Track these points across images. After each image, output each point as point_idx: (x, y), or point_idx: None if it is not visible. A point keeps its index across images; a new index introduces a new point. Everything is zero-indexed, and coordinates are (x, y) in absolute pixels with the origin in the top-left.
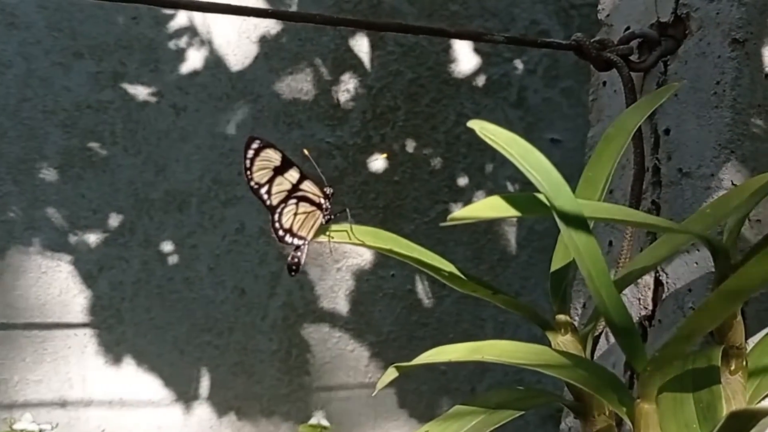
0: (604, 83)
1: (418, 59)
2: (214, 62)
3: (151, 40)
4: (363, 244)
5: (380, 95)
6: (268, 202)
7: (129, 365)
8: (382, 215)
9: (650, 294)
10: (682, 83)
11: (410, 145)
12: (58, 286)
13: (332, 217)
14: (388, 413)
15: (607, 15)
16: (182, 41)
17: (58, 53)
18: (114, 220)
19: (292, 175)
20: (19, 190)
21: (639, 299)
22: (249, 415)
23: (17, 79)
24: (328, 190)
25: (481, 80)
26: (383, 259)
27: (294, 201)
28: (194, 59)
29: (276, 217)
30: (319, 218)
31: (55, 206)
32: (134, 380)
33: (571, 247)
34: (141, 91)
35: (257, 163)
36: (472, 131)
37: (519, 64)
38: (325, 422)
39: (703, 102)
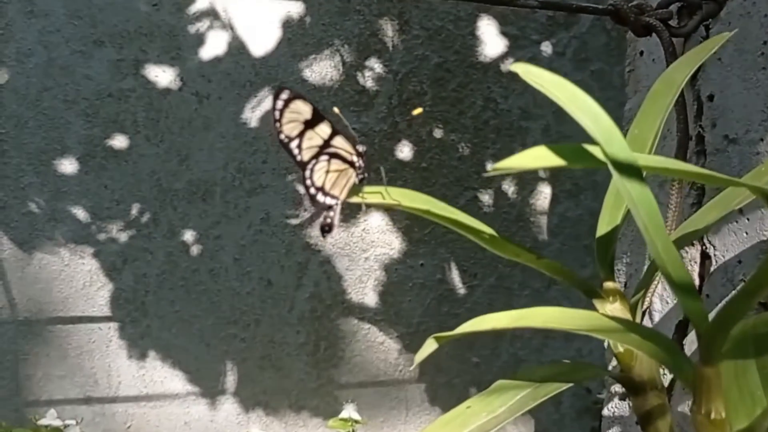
0: (642, 53)
1: (444, 43)
2: (237, 49)
3: (172, 26)
4: (399, 205)
5: (406, 80)
6: (299, 158)
7: (154, 359)
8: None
9: (697, 268)
10: (732, 32)
11: (437, 131)
12: (81, 279)
13: (365, 176)
14: (419, 407)
15: None
16: (204, 27)
17: (78, 41)
18: (137, 211)
19: (324, 129)
20: (40, 181)
21: None
22: (277, 409)
23: (38, 69)
24: (361, 148)
25: (508, 64)
26: (412, 248)
27: (326, 158)
28: (216, 46)
29: (308, 173)
30: (352, 177)
31: (77, 197)
32: (160, 375)
33: (626, 196)
34: (163, 79)
35: (287, 115)
36: (501, 116)
37: (547, 47)
38: (356, 415)
39: (749, 64)
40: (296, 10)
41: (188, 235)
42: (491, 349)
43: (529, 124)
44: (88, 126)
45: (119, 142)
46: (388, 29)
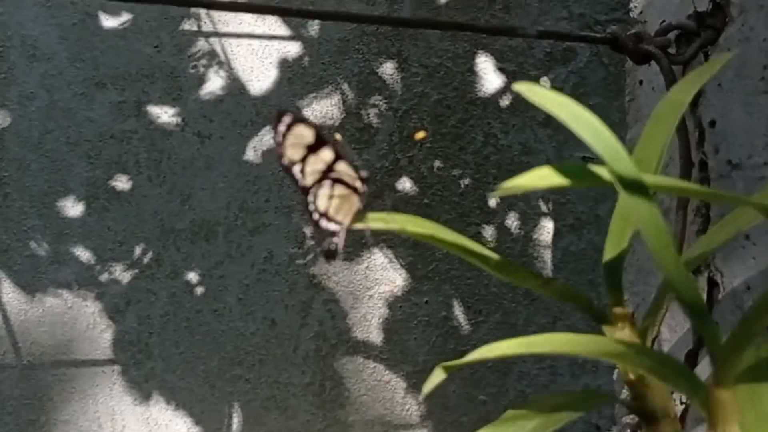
0: (641, 82)
1: (443, 80)
2: (238, 89)
3: (173, 68)
4: (403, 230)
5: (406, 117)
6: (301, 182)
7: (159, 402)
8: (414, 240)
9: (704, 296)
10: (734, 53)
11: (438, 167)
12: (84, 321)
13: (369, 202)
14: None
15: (641, 12)
16: (204, 69)
17: (80, 84)
18: (140, 252)
19: (327, 154)
20: (43, 223)
21: None
22: None
23: (40, 111)
24: (364, 173)
25: (507, 99)
26: (416, 285)
27: (329, 182)
28: (217, 86)
29: (311, 198)
30: (356, 202)
31: (80, 239)
32: (164, 417)
33: (633, 214)
34: (165, 120)
35: (289, 139)
36: (502, 151)
37: (546, 82)
38: None
39: (749, 89)
40: (295, 50)
41: (192, 276)
42: (498, 387)
43: (530, 159)
44: (91, 168)
45: (122, 183)
46: (388, 67)
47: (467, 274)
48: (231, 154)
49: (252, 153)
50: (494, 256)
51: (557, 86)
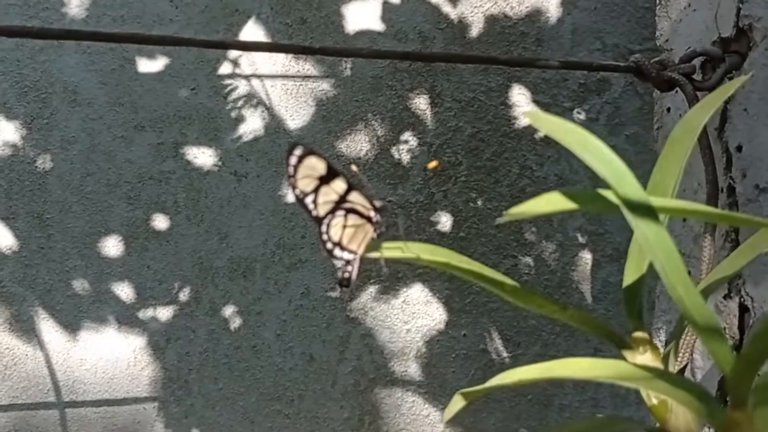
0: (669, 109)
1: (477, 114)
2: (273, 128)
3: (210, 109)
4: (418, 259)
5: (440, 151)
6: (314, 213)
7: None
8: (450, 274)
9: (735, 321)
10: (749, 76)
11: (474, 200)
12: (125, 359)
13: (384, 231)
14: None
15: (666, 40)
16: (240, 109)
17: (119, 127)
18: (179, 290)
19: (339, 185)
20: (85, 264)
21: (724, 327)
22: None
23: (81, 155)
24: (378, 203)
25: (542, 132)
26: (453, 318)
27: (342, 213)
28: (253, 126)
29: (324, 228)
30: (370, 232)
31: (121, 278)
32: None
33: (641, 238)
34: (202, 160)
35: (301, 171)
36: (537, 183)
37: (580, 113)
38: None
39: None
40: (329, 88)
41: (230, 312)
42: (539, 420)
43: (566, 190)
44: (131, 208)
45: (161, 222)
46: (421, 102)
47: (505, 307)
48: (267, 192)
49: (288, 190)
50: (509, 282)
51: (592, 117)
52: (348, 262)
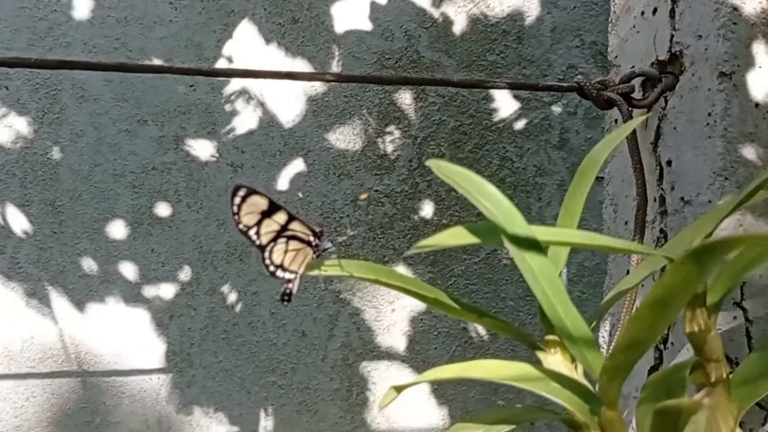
0: (616, 121)
1: (459, 108)
2: (267, 122)
3: (207, 104)
4: (351, 276)
5: (425, 144)
6: (257, 242)
7: (200, 406)
8: (433, 257)
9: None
10: (641, 119)
11: (456, 190)
12: (132, 334)
13: (323, 252)
14: None
15: (616, 56)
16: (236, 104)
17: (124, 121)
18: (181, 272)
19: (280, 217)
20: (94, 247)
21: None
22: None
23: (89, 147)
24: (318, 229)
25: (521, 124)
26: None
27: (284, 240)
28: (248, 120)
29: (266, 254)
30: (309, 254)
31: (127, 261)
32: (205, 420)
33: (525, 269)
34: (201, 152)
35: (244, 209)
36: (517, 174)
37: (558, 107)
38: None
39: (698, 133)
40: (319, 84)
41: (228, 292)
42: (516, 393)
43: (545, 180)
44: (135, 196)
45: (163, 210)
46: (406, 98)
47: (484, 289)
48: (261, 182)
49: (281, 180)
50: (431, 294)
51: (570, 111)
52: (289, 281)
